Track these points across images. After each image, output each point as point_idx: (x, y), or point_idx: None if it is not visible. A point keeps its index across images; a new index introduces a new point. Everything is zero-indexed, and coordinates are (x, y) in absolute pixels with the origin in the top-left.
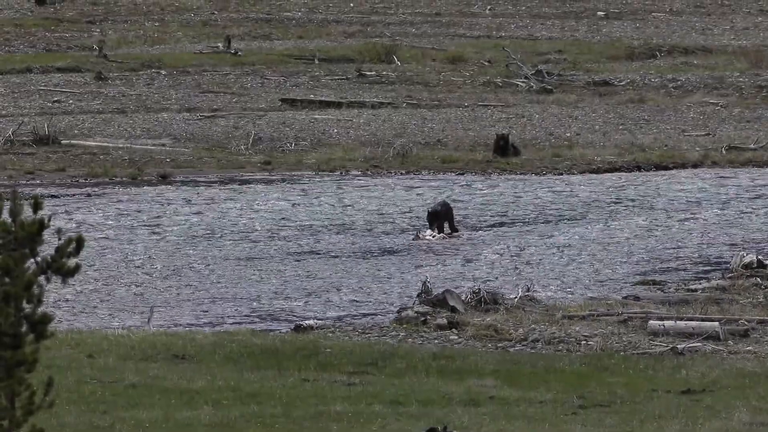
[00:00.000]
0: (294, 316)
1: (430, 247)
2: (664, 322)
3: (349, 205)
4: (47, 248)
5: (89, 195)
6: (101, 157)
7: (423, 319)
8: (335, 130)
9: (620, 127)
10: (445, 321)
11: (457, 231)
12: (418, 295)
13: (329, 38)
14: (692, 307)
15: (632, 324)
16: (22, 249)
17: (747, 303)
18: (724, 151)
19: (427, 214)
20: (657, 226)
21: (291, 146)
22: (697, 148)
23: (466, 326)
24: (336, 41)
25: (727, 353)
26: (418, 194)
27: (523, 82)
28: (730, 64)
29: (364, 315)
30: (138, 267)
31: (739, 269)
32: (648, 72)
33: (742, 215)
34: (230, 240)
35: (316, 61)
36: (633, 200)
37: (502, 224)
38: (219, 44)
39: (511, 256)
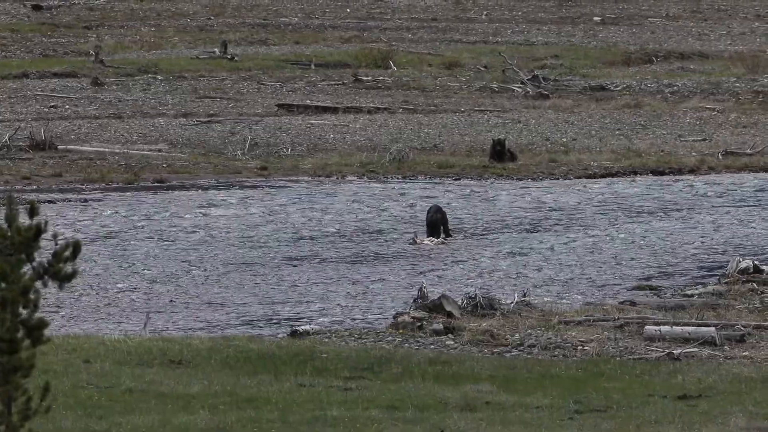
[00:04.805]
0: (290, 321)
1: (426, 252)
2: (661, 327)
3: (346, 210)
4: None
5: (85, 200)
6: (98, 162)
7: (419, 324)
8: (331, 136)
9: (617, 132)
10: (441, 326)
11: (451, 236)
12: (414, 300)
13: (326, 43)
14: (688, 313)
15: (628, 329)
16: (19, 254)
17: (743, 308)
18: (720, 157)
19: (426, 223)
20: (653, 230)
21: (287, 151)
22: (694, 154)
23: (463, 331)
24: (332, 46)
25: (724, 358)
26: (414, 199)
27: (519, 87)
28: (726, 69)
29: (361, 320)
30: (134, 272)
31: (735, 274)
32: (644, 77)
33: (739, 220)
34: (226, 245)
35: (313, 67)
36: (630, 205)
37: (498, 229)
38: (215, 49)
39: (508, 261)
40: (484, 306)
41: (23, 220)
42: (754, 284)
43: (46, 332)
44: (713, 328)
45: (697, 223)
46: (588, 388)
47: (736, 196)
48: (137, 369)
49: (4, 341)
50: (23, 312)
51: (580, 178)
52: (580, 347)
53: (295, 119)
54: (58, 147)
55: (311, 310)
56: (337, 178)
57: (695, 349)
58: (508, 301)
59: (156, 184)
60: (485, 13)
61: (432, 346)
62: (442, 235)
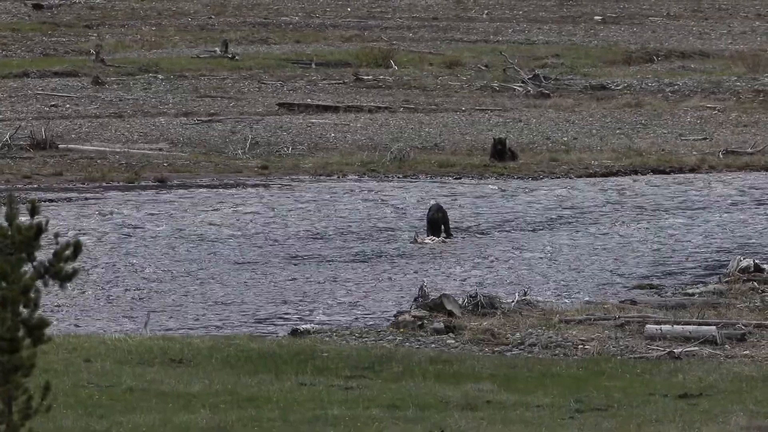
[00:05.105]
0: (291, 320)
1: (427, 251)
2: (661, 326)
3: (346, 209)
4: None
5: (86, 199)
6: (98, 161)
7: (420, 323)
8: (332, 135)
9: (617, 131)
10: (442, 325)
11: (451, 235)
12: (415, 299)
13: (326, 42)
14: (689, 312)
15: (629, 328)
16: (19, 253)
17: (744, 307)
18: (721, 156)
19: (426, 221)
20: (654, 230)
21: (288, 150)
22: (694, 153)
23: (463, 330)
24: (333, 45)
25: (724, 357)
26: (415, 198)
27: (520, 86)
28: (727, 68)
29: (361, 319)
30: (135, 271)
31: (736, 273)
32: (645, 76)
33: (740, 219)
34: (227, 244)
35: (314, 66)
36: (629, 204)
37: (498, 228)
38: (216, 48)
39: (508, 260)
40: (484, 305)
41: (24, 218)
42: (755, 283)
43: (47, 331)
44: (714, 327)
45: (698, 222)
46: (589, 386)
47: (736, 194)
48: (138, 368)
49: (5, 340)
50: (24, 311)
51: (580, 177)
52: (581, 346)
53: (296, 118)
54: (59, 146)
55: (312, 309)
56: (338, 177)
57: (696, 348)
58: (509, 300)
59: (157, 183)
60: (486, 12)
61: (433, 345)
62: (443, 234)
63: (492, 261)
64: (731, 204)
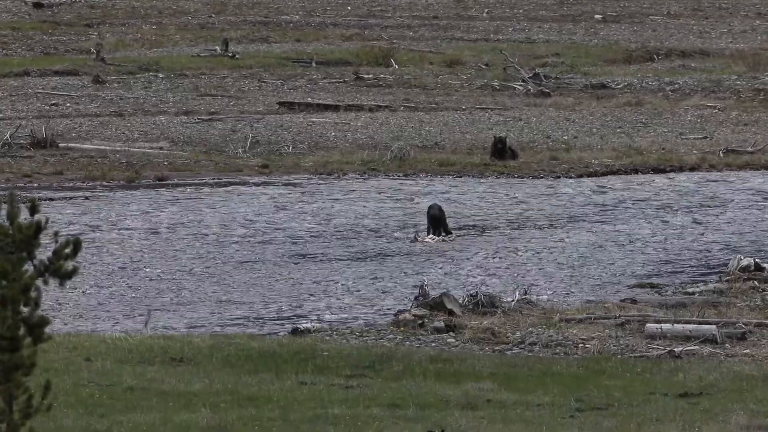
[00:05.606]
0: (291, 319)
1: (427, 250)
2: (662, 325)
3: (347, 208)
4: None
5: (86, 198)
6: (99, 160)
7: (420, 322)
8: (333, 133)
9: (618, 130)
10: (442, 324)
11: (451, 234)
12: (415, 298)
13: (327, 41)
14: (689, 311)
15: (629, 327)
16: (20, 252)
17: (744, 306)
18: (721, 155)
19: (428, 218)
20: (654, 229)
21: (289, 149)
22: (695, 151)
23: (464, 329)
24: (333, 44)
25: (725, 356)
26: (415, 197)
27: (520, 85)
28: (727, 67)
29: (362, 318)
30: (135, 270)
31: (736, 272)
32: (645, 75)
33: (741, 218)
34: (228, 243)
35: (314, 64)
36: (630, 203)
37: (499, 227)
38: (216, 47)
39: (509, 259)
40: (485, 304)
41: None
42: (755, 282)
43: (47, 330)
44: (714, 326)
45: (699, 221)
46: (589, 386)
47: (737, 194)
48: (138, 367)
49: (6, 339)
50: (24, 310)
51: (581, 176)
52: (581, 345)
53: (296, 117)
54: (59, 145)
55: (312, 308)
56: (338, 176)
57: (696, 347)
58: (509, 299)
59: (157, 182)
60: (486, 11)
61: (433, 344)
62: (442, 233)
63: (492, 260)
64: (735, 203)
